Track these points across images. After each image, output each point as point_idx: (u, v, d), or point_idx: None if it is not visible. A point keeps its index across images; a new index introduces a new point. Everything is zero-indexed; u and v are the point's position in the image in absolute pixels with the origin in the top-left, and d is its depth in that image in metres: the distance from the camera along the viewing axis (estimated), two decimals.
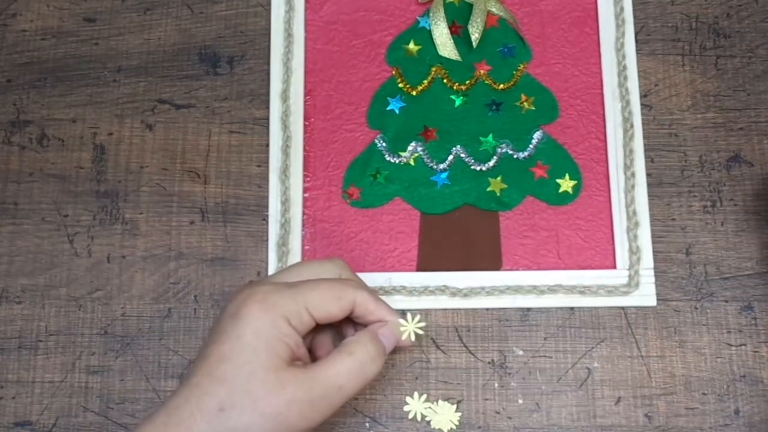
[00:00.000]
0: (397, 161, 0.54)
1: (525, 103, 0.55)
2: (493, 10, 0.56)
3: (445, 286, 0.52)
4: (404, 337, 0.44)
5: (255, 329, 0.40)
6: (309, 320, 0.42)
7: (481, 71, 0.56)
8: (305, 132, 0.55)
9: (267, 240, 0.53)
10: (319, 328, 0.44)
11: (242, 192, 0.54)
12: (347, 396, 0.42)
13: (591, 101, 0.55)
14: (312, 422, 0.41)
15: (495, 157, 0.54)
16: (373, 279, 0.52)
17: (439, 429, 0.50)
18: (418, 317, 0.45)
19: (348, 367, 0.41)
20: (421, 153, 0.54)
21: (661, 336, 0.51)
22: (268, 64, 0.56)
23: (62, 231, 0.54)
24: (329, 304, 0.42)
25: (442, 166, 0.54)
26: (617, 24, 0.56)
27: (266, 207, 0.54)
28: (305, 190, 0.54)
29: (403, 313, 0.44)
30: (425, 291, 0.52)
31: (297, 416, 0.40)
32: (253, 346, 0.40)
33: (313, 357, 0.45)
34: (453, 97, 0.55)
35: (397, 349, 0.51)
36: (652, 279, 0.52)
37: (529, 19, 0.57)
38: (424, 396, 0.50)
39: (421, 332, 0.45)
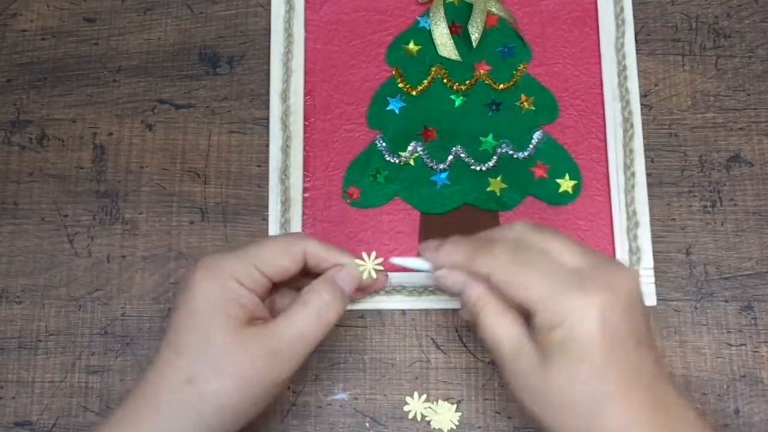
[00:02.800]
0: (397, 161, 0.54)
1: (525, 103, 0.55)
2: (493, 10, 0.56)
3: None
4: (365, 276, 0.45)
5: (205, 295, 0.41)
6: (261, 278, 0.42)
7: (481, 71, 0.56)
8: (305, 132, 0.55)
9: None
10: (283, 289, 0.44)
11: (242, 192, 0.54)
12: (312, 343, 0.42)
13: (591, 101, 0.55)
14: (281, 374, 0.41)
15: (495, 157, 0.54)
16: None
17: (439, 429, 0.50)
18: (374, 254, 0.45)
19: (305, 316, 0.42)
20: (421, 153, 0.54)
21: (661, 336, 0.51)
22: (268, 64, 0.56)
23: (62, 231, 0.54)
24: (279, 258, 0.43)
25: (442, 166, 0.54)
26: (617, 24, 0.56)
27: (266, 207, 0.54)
28: (305, 190, 0.54)
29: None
30: (425, 291, 0.52)
31: (264, 372, 0.40)
32: (205, 311, 0.40)
33: None
34: (453, 97, 0.55)
35: (396, 349, 0.51)
36: (652, 279, 0.52)
37: (529, 19, 0.57)
38: (424, 396, 0.50)
39: (380, 268, 0.45)
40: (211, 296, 0.41)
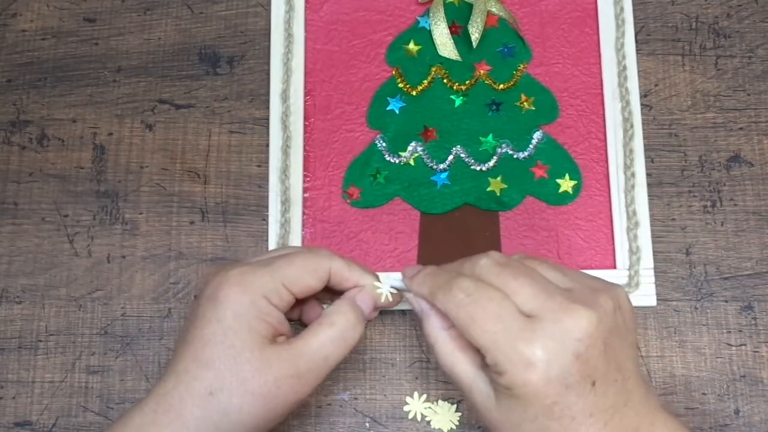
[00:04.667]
0: (397, 161, 0.54)
1: (525, 103, 0.55)
2: (493, 10, 0.56)
3: None
4: (382, 299, 0.45)
5: (235, 311, 0.41)
6: (288, 295, 0.43)
7: (481, 71, 0.56)
8: (305, 132, 0.55)
9: (267, 240, 0.53)
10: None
11: (242, 192, 0.54)
12: (333, 365, 0.42)
13: (591, 101, 0.55)
14: (302, 395, 0.42)
15: (495, 157, 0.54)
16: None
17: (439, 429, 0.50)
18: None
19: (331, 337, 0.42)
20: (421, 153, 0.54)
21: (661, 336, 0.51)
22: (268, 64, 0.56)
23: (62, 231, 0.54)
24: (306, 277, 0.43)
25: (442, 166, 0.54)
26: (617, 24, 0.56)
27: (266, 207, 0.54)
28: (305, 190, 0.54)
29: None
30: None
31: (286, 392, 0.41)
32: (235, 328, 0.41)
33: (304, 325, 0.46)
34: (453, 97, 0.55)
35: (396, 349, 0.51)
36: (652, 279, 0.52)
37: (529, 19, 0.57)
38: (424, 396, 0.50)
39: (395, 291, 0.45)
40: (241, 313, 0.41)
